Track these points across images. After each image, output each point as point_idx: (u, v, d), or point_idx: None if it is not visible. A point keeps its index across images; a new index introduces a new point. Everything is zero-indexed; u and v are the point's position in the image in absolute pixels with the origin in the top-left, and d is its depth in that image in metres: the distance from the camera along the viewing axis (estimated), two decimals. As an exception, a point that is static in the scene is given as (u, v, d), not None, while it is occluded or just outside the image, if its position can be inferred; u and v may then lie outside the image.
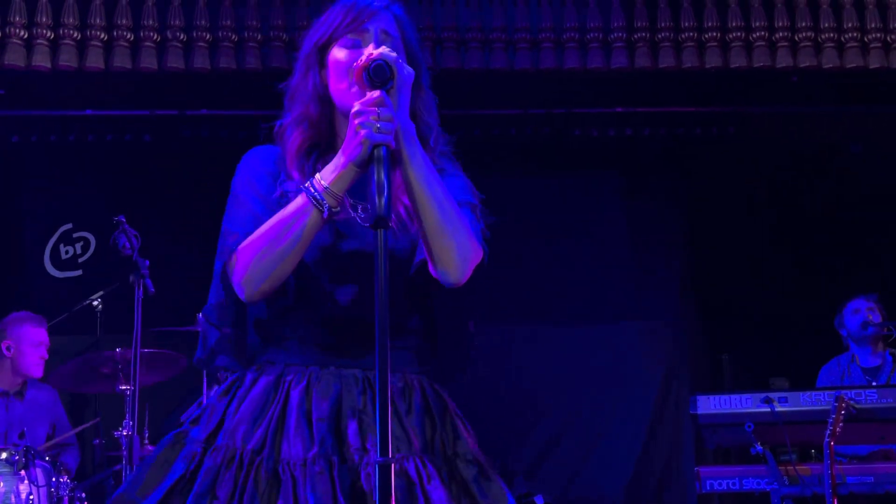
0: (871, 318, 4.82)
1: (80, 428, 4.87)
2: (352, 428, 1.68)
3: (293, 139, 1.83)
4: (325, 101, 1.83)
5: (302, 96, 1.85)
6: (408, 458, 1.68)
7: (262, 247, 1.70)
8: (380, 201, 1.55)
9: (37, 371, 4.82)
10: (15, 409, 4.76)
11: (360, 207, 1.77)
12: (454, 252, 1.70)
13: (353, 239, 1.77)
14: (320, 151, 1.81)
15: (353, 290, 1.76)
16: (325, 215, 1.68)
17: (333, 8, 1.84)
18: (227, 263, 1.77)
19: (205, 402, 4.85)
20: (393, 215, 1.74)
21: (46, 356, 4.85)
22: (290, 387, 1.73)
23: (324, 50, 1.83)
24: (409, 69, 1.70)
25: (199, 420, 1.78)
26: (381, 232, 1.55)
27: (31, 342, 4.78)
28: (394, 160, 1.66)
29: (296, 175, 1.78)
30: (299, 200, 1.69)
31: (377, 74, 1.64)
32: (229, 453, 1.69)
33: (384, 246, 1.55)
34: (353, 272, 1.76)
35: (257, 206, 1.78)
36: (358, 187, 1.72)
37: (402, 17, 1.86)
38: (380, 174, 1.57)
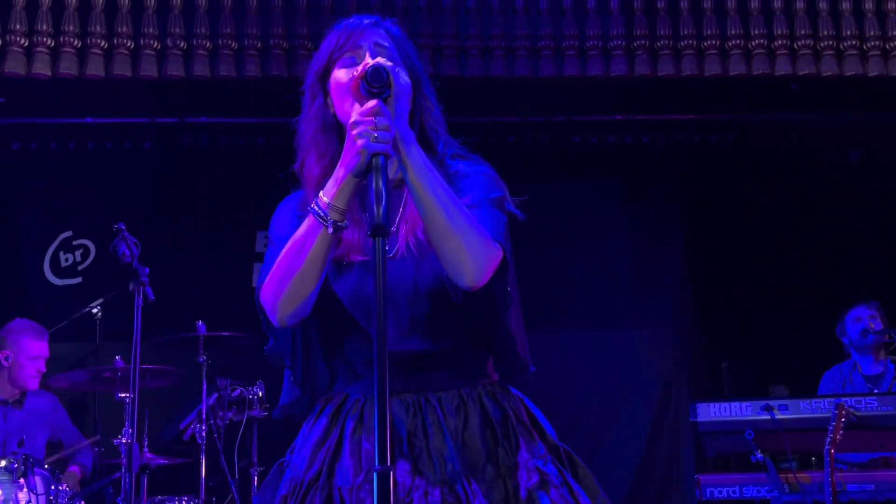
0: (872, 325, 4.81)
1: (90, 440, 4.88)
2: (403, 451, 1.73)
3: (308, 173, 1.87)
4: (332, 127, 1.87)
5: (310, 127, 1.88)
6: (456, 480, 1.72)
7: (282, 271, 1.74)
8: (378, 209, 1.56)
9: (32, 384, 4.81)
10: (13, 418, 4.76)
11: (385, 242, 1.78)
12: (465, 255, 1.69)
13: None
14: None
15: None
16: (331, 230, 1.69)
17: (327, 36, 1.88)
18: (259, 296, 1.82)
19: (204, 409, 4.82)
20: (413, 240, 1.80)
21: (44, 369, 4.84)
22: (347, 416, 1.81)
23: (324, 78, 1.87)
24: (405, 78, 1.74)
25: (294, 448, 1.88)
26: (379, 240, 1.56)
27: (29, 355, 4.78)
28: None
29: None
30: (308, 220, 1.72)
31: (374, 79, 1.65)
32: (293, 483, 1.79)
33: (383, 255, 1.56)
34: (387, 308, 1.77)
35: (285, 244, 1.83)
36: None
37: (395, 30, 1.88)
38: (378, 182, 1.58)
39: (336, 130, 1.86)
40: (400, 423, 1.75)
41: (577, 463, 1.85)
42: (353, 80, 1.70)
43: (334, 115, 1.85)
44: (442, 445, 1.74)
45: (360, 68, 1.69)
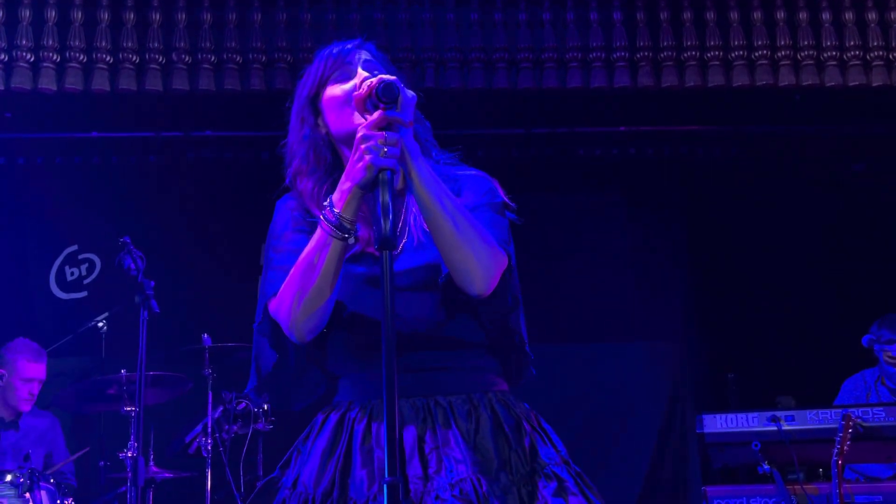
0: None
1: (74, 456, 4.85)
2: (414, 457, 1.70)
3: (302, 187, 1.88)
4: (325, 145, 1.88)
5: (302, 148, 1.88)
6: (466, 480, 1.67)
7: (297, 287, 1.73)
8: (385, 223, 1.56)
9: (24, 406, 4.80)
10: (8, 438, 4.74)
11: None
12: (473, 263, 1.70)
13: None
14: (330, 186, 1.84)
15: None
16: (351, 240, 1.70)
17: (312, 64, 1.91)
18: (270, 310, 1.81)
19: (209, 422, 4.81)
20: (416, 237, 1.81)
21: (37, 392, 4.83)
22: (354, 424, 1.77)
23: (315, 100, 1.89)
24: (411, 92, 1.72)
25: (288, 464, 1.85)
26: (386, 254, 1.57)
27: (22, 377, 4.76)
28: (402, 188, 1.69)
29: (317, 213, 1.79)
30: (318, 234, 1.71)
31: (386, 94, 1.65)
32: (302, 498, 1.74)
33: (390, 269, 1.57)
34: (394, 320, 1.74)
35: (288, 244, 1.84)
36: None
37: (376, 51, 1.91)
38: (384, 197, 1.60)
39: (329, 148, 1.88)
40: (410, 427, 1.72)
41: (588, 482, 1.82)
42: (358, 96, 1.70)
43: (327, 133, 1.87)
44: (453, 449, 1.70)
45: (364, 86, 1.68)
